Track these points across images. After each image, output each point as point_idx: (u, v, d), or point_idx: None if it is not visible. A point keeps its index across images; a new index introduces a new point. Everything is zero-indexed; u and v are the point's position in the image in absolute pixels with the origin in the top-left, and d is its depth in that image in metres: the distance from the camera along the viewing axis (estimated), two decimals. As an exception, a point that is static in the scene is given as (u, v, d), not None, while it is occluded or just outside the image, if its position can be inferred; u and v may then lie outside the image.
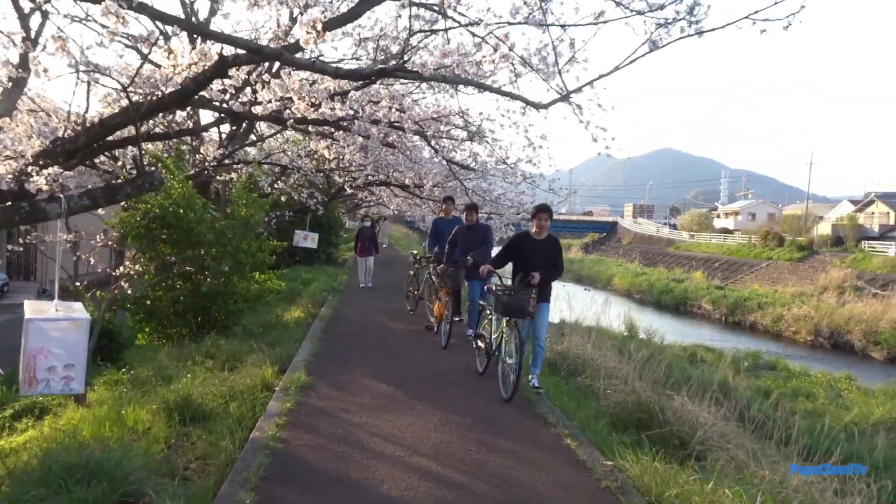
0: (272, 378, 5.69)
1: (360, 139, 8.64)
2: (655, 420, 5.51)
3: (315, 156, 14.92)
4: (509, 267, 6.67)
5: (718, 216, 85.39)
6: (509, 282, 6.63)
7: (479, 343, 6.93)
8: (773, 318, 33.45)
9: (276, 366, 6.14)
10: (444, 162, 8.20)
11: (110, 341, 10.63)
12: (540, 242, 6.44)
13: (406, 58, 7.49)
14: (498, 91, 4.79)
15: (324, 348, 7.48)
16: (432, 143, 7.23)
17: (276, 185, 16.95)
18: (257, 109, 6.16)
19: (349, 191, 14.43)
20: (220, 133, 15.74)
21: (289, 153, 15.67)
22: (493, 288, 6.34)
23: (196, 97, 6.52)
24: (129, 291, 8.56)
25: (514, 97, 4.78)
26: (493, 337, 6.52)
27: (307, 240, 18.37)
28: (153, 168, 5.58)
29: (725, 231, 71.18)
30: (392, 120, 6.66)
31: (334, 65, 9.05)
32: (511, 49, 4.54)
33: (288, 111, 6.48)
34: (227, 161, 13.41)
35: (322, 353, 7.20)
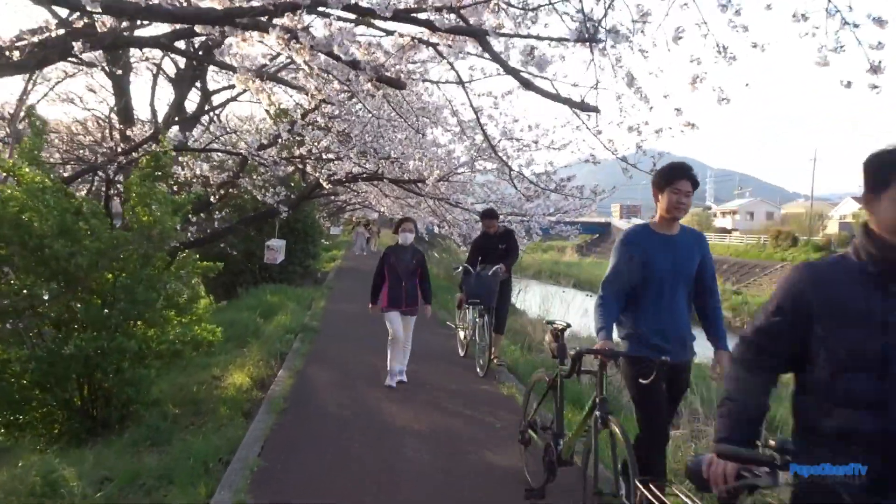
0: None
1: (337, 84, 4.94)
2: None
3: (281, 140, 11.13)
4: None
5: (715, 215, 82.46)
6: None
7: None
8: (804, 327, 30.12)
9: None
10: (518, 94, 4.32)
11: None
12: None
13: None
14: None
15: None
16: (495, 42, 3.38)
17: (236, 182, 13.11)
18: None
19: (327, 187, 10.61)
20: (153, 109, 11.91)
21: (246, 139, 11.91)
22: None
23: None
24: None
25: None
26: None
27: (279, 252, 14.54)
28: None
29: (724, 231, 68.19)
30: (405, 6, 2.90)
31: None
32: None
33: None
34: (154, 146, 9.57)
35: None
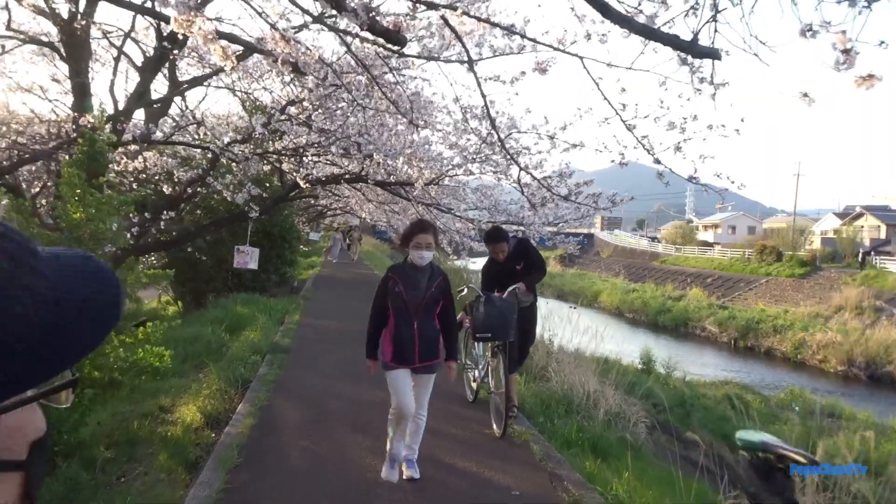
0: None
1: (318, 55, 3.93)
2: None
3: (255, 135, 10.06)
4: None
5: (698, 229, 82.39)
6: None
7: None
8: (793, 343, 29.58)
9: None
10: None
11: None
12: None
13: None
14: None
15: None
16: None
17: (205, 181, 11.99)
18: None
19: (304, 186, 9.55)
20: (113, 97, 10.74)
21: (216, 133, 10.83)
22: None
23: None
24: None
25: None
26: None
27: (251, 258, 13.42)
28: None
29: (706, 244, 67.97)
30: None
31: None
32: None
33: None
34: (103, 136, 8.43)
35: None
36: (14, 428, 0.56)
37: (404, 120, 8.70)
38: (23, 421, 0.58)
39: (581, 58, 3.89)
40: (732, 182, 4.32)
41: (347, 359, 7.57)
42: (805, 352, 28.91)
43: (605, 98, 4.04)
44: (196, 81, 10.21)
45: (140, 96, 9.87)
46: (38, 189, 11.77)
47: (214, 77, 10.79)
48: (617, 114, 4.11)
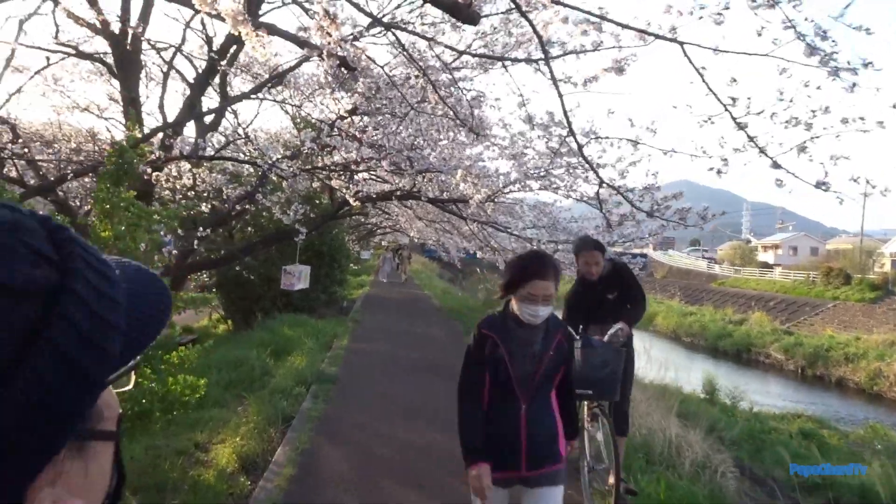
0: None
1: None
2: None
3: (305, 150, 9.68)
4: None
5: (757, 250, 79.41)
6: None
7: None
8: (868, 373, 27.64)
9: None
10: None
11: None
12: None
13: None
14: None
15: None
16: None
17: (255, 198, 11.69)
18: None
19: (354, 203, 9.06)
20: (162, 111, 10.53)
21: (267, 154, 10.50)
22: None
23: None
24: None
25: None
26: None
27: (300, 279, 13.01)
28: None
29: (766, 266, 65.32)
30: None
31: None
32: None
33: None
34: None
35: None
36: (109, 403, 0.61)
37: (458, 134, 8.18)
38: (112, 397, 0.62)
39: (682, 43, 3.25)
40: (874, 188, 3.56)
41: (397, 392, 6.94)
42: (882, 383, 26.98)
43: (711, 90, 3.38)
44: (245, 94, 9.91)
45: (190, 108, 9.64)
46: (89, 206, 11.68)
47: (265, 92, 10.53)
48: (726, 109, 3.43)
